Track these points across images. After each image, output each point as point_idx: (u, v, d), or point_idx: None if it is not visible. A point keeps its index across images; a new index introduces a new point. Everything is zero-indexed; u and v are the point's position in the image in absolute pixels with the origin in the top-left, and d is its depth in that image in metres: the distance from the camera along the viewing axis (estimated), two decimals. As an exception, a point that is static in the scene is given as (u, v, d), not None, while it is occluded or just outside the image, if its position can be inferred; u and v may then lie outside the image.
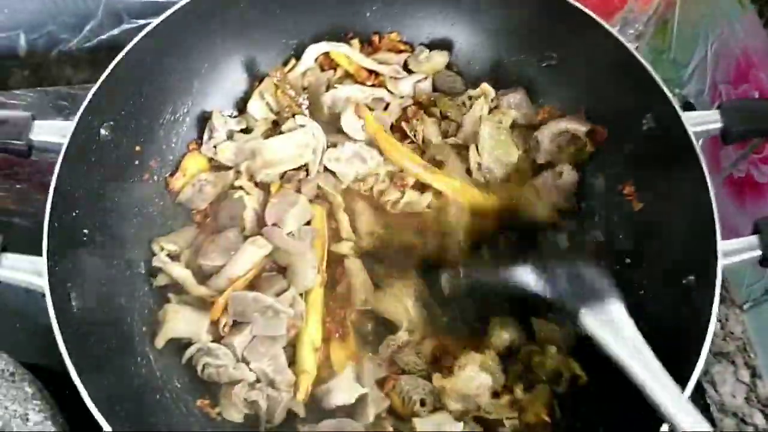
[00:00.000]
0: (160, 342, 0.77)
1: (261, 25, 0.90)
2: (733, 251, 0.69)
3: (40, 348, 0.73)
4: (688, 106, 1.05)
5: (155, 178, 0.86)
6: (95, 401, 0.63)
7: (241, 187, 0.86)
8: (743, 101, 0.88)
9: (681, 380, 0.64)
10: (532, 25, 0.88)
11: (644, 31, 1.14)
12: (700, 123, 0.74)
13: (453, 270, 0.82)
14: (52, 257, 0.68)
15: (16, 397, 0.72)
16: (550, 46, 0.89)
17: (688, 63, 1.05)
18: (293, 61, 0.93)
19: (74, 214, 0.73)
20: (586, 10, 0.82)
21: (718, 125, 0.74)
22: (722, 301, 0.97)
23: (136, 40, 0.78)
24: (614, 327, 0.66)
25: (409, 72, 0.95)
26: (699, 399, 0.90)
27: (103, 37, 1.07)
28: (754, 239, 0.69)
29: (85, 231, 0.75)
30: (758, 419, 0.90)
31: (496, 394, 0.77)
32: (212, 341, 0.78)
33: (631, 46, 0.79)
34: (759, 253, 0.68)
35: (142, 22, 1.05)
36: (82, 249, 0.74)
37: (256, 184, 0.87)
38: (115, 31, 1.06)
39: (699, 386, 0.91)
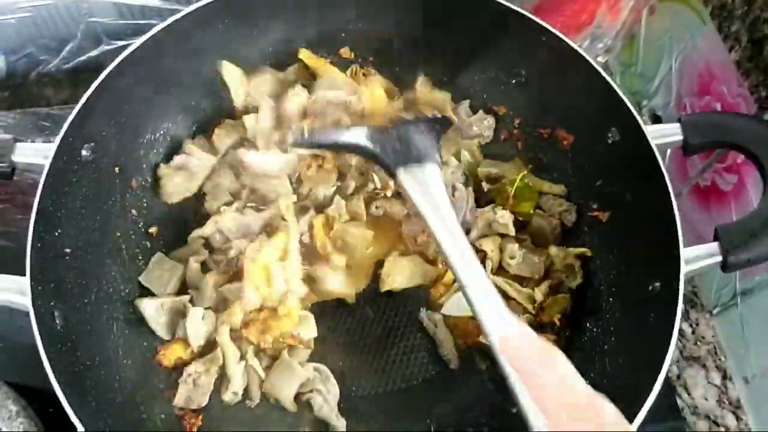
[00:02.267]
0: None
1: (241, 44, 0.92)
2: (695, 258, 0.71)
3: (24, 366, 0.74)
4: (655, 118, 1.09)
5: (136, 196, 0.87)
6: (80, 419, 0.64)
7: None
8: (703, 114, 0.91)
9: (649, 385, 0.66)
10: (501, 44, 0.91)
11: (613, 46, 1.17)
12: (662, 136, 0.77)
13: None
14: (35, 277, 0.68)
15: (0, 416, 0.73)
16: (518, 64, 0.92)
17: (654, 76, 1.08)
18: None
19: (56, 233, 0.74)
20: (551, 28, 0.85)
21: (679, 138, 0.77)
22: (693, 306, 1.00)
23: (115, 62, 0.79)
24: (425, 187, 0.73)
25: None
26: (672, 402, 0.92)
27: (82, 58, 1.08)
28: (714, 245, 0.71)
29: (68, 250, 0.75)
30: (730, 421, 0.93)
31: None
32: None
33: (593, 62, 0.82)
34: (720, 258, 0.71)
35: (121, 43, 1.06)
36: (65, 268, 0.75)
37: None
38: (95, 53, 1.07)
39: (672, 390, 0.94)
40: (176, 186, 0.88)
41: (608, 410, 0.52)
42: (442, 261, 0.87)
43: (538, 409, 0.53)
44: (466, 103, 0.96)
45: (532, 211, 0.90)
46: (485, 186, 0.93)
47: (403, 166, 0.76)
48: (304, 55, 0.95)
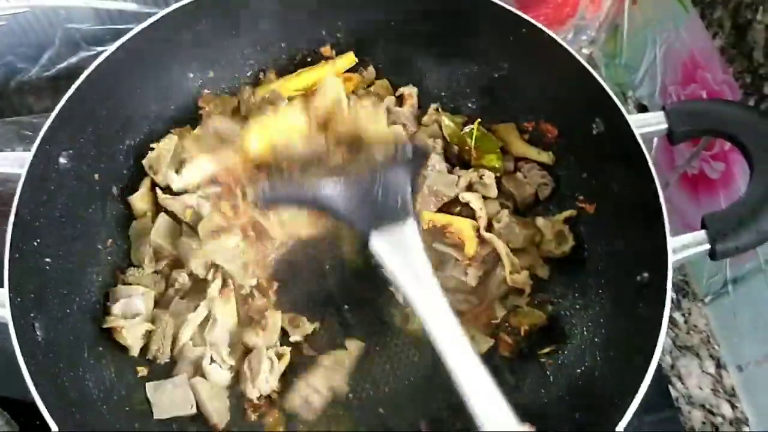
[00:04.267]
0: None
1: (217, 47, 0.91)
2: (682, 247, 0.70)
3: (6, 379, 0.73)
4: (641, 108, 1.08)
5: (117, 204, 0.86)
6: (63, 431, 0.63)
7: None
8: (687, 103, 0.91)
9: (640, 374, 0.65)
10: (481, 37, 0.90)
11: (597, 37, 1.17)
12: (647, 125, 0.76)
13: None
14: (14, 288, 0.67)
15: (-17, 431, 0.72)
16: (500, 57, 0.91)
17: (639, 66, 1.08)
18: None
19: (35, 243, 0.73)
20: (533, 21, 0.84)
21: (664, 126, 0.76)
22: (684, 295, 0.99)
23: (91, 68, 0.78)
24: (403, 252, 0.64)
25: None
26: (666, 392, 0.92)
27: (62, 65, 1.07)
28: (702, 234, 0.70)
29: (48, 260, 0.74)
30: (725, 409, 0.92)
31: None
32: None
33: (576, 54, 0.81)
34: (708, 247, 0.70)
35: (100, 49, 1.05)
36: (46, 278, 0.74)
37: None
38: (74, 59, 1.06)
39: (666, 380, 0.93)
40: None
41: None
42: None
43: None
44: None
45: (498, 164, 0.90)
46: (455, 148, 0.92)
47: (376, 228, 0.66)
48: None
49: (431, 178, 0.88)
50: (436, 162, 0.90)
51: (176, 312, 0.81)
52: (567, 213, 0.87)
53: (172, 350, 0.81)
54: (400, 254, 0.64)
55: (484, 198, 0.89)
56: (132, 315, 0.79)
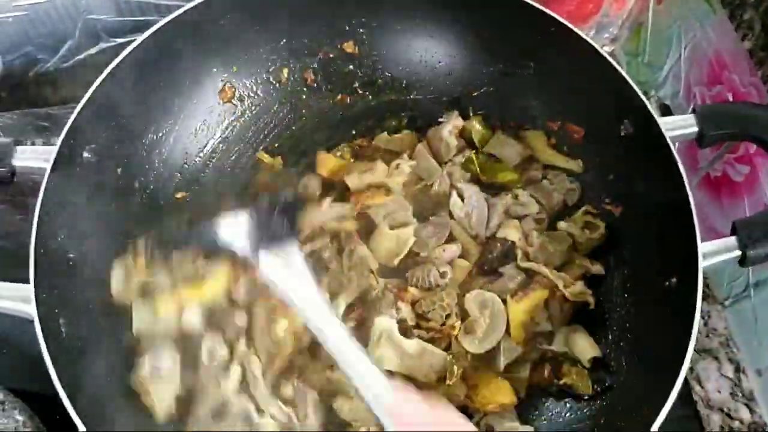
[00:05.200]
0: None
1: (241, 42, 0.91)
2: (712, 252, 0.70)
3: (29, 374, 0.73)
4: (664, 108, 1.07)
5: (140, 198, 0.86)
6: (87, 426, 0.63)
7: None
8: (718, 105, 0.90)
9: (669, 381, 0.65)
10: (508, 35, 0.89)
11: (619, 35, 1.16)
12: (676, 128, 0.75)
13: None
14: (39, 284, 0.67)
15: (6, 426, 0.72)
16: (527, 56, 0.90)
17: (662, 66, 1.07)
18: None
19: (59, 239, 0.73)
20: (561, 19, 0.83)
21: (694, 129, 0.75)
22: (704, 298, 0.97)
23: (116, 62, 0.78)
24: (289, 267, 0.72)
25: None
26: (685, 395, 0.92)
27: (81, 56, 1.06)
28: (732, 240, 0.70)
29: (71, 255, 0.74)
30: (744, 413, 0.92)
31: None
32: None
33: (606, 53, 0.80)
34: (738, 253, 0.69)
35: (120, 40, 1.04)
36: (69, 273, 0.73)
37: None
38: (93, 50, 1.06)
39: (685, 383, 0.93)
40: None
41: None
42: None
43: None
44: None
45: (514, 177, 0.90)
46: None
47: (264, 248, 0.73)
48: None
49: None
50: (473, 193, 0.88)
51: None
52: (584, 209, 0.87)
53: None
54: (286, 269, 0.72)
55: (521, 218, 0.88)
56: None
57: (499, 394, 0.78)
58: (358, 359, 0.67)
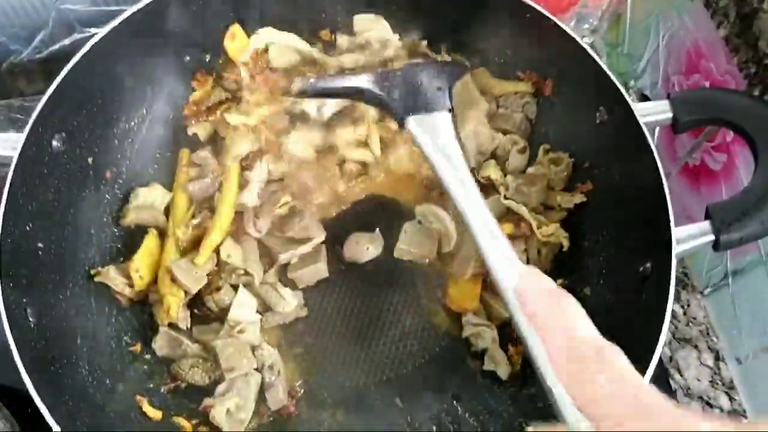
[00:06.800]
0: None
1: (213, 30, 0.89)
2: (686, 237, 0.70)
3: (1, 367, 0.72)
4: (644, 99, 1.07)
5: (111, 188, 0.85)
6: (56, 419, 0.62)
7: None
8: (692, 91, 0.90)
9: (642, 367, 0.65)
10: (484, 24, 0.89)
11: (599, 26, 1.16)
12: (651, 113, 0.75)
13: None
14: (6, 273, 0.66)
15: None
16: (505, 43, 0.90)
17: (641, 56, 1.07)
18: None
19: (27, 228, 0.71)
20: (537, 6, 0.83)
21: (669, 115, 0.75)
22: (683, 287, 0.99)
23: (85, 48, 0.76)
24: (435, 136, 0.70)
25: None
26: (664, 384, 0.92)
27: (55, 47, 1.05)
28: (706, 224, 0.70)
29: (40, 245, 0.73)
30: (723, 402, 0.92)
31: None
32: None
33: (581, 40, 0.80)
34: (712, 237, 0.69)
35: (94, 30, 1.03)
36: (38, 264, 0.72)
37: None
38: (67, 41, 1.04)
39: (664, 371, 0.93)
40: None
41: (620, 361, 0.48)
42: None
43: (548, 359, 0.50)
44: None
45: None
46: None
47: (412, 114, 0.72)
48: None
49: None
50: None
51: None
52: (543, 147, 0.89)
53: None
54: (434, 137, 0.70)
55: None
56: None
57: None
58: (493, 233, 0.61)
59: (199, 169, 0.87)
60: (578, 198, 0.85)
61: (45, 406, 0.62)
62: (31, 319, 0.68)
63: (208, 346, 0.80)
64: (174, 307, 0.78)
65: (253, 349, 0.80)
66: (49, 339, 0.69)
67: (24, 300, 0.68)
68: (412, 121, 0.72)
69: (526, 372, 0.81)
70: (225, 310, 0.81)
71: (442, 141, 0.69)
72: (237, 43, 0.91)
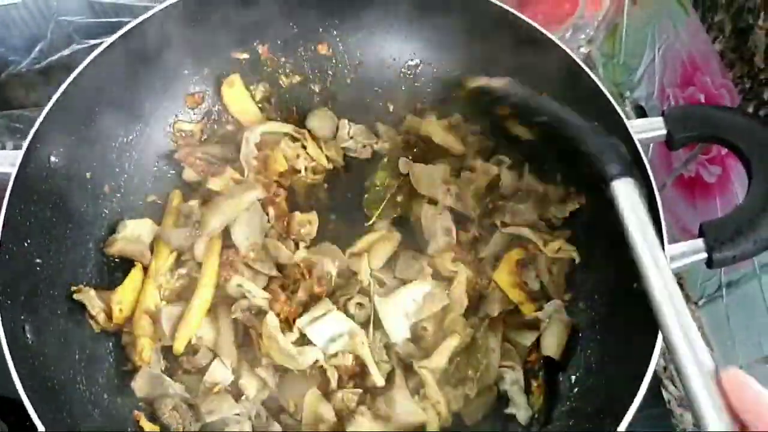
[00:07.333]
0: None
1: (213, 44, 0.90)
2: (680, 255, 0.70)
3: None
4: (639, 110, 1.08)
5: (110, 202, 0.85)
6: (52, 434, 0.62)
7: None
8: (686, 108, 0.90)
9: (637, 377, 0.65)
10: (479, 40, 0.89)
11: (595, 36, 1.16)
12: (646, 130, 0.76)
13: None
14: (4, 290, 0.66)
15: (-27, 434, 0.71)
16: (498, 60, 0.89)
17: (637, 67, 1.07)
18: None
19: (26, 244, 0.72)
20: (529, 20, 0.83)
21: (663, 132, 0.75)
22: (678, 298, 0.99)
23: (84, 64, 0.77)
24: (633, 203, 0.67)
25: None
26: (658, 394, 0.92)
27: (53, 58, 1.05)
28: (699, 242, 0.70)
29: (38, 260, 0.73)
30: (717, 412, 0.92)
31: None
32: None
33: (576, 57, 0.81)
34: (705, 255, 0.70)
35: (92, 42, 1.03)
36: (36, 279, 0.73)
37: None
38: (66, 52, 1.04)
39: (658, 382, 0.94)
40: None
41: None
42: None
43: None
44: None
45: None
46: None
47: (618, 178, 0.69)
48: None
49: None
50: None
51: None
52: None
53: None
54: (632, 205, 0.67)
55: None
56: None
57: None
58: (684, 321, 0.58)
59: (184, 218, 0.85)
60: (571, 206, 0.86)
61: (42, 423, 0.62)
62: (29, 336, 0.68)
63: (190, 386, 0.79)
64: (147, 350, 0.77)
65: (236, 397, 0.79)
66: (47, 356, 0.69)
67: (22, 317, 0.68)
68: (618, 185, 0.68)
69: (550, 413, 0.80)
70: (202, 370, 0.79)
71: (637, 209, 0.66)
72: (234, 91, 0.92)
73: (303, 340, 0.79)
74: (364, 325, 0.81)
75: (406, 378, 0.80)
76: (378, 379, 0.78)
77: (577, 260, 0.85)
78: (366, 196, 0.93)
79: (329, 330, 0.78)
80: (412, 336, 0.82)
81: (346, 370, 0.79)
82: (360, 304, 0.82)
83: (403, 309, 0.82)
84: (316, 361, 0.78)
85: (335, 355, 0.78)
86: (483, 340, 0.82)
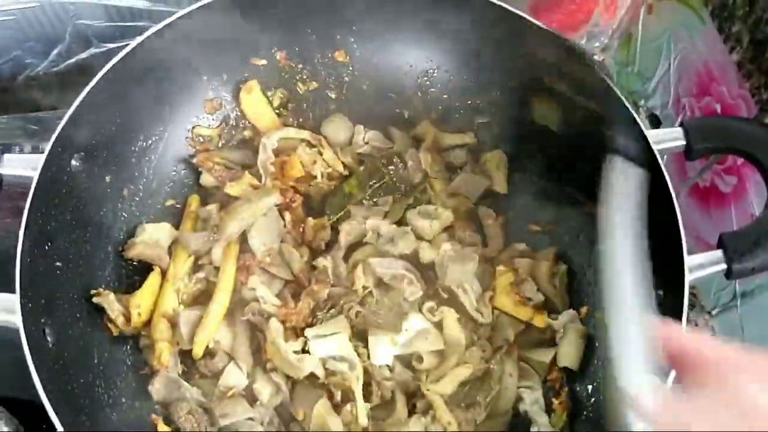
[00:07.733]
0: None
1: (233, 49, 0.90)
2: (699, 266, 0.70)
3: (17, 381, 0.72)
4: (653, 119, 1.08)
5: (128, 206, 0.86)
6: (72, 437, 0.63)
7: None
8: (705, 119, 0.90)
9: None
10: (494, 44, 0.89)
11: (609, 44, 1.16)
12: (664, 141, 0.76)
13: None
14: (25, 293, 0.66)
15: (-9, 436, 0.72)
16: (517, 68, 0.90)
17: (652, 76, 1.07)
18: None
19: (47, 247, 0.72)
20: (555, 31, 0.83)
21: (682, 143, 0.75)
22: (692, 307, 0.99)
23: (105, 69, 0.77)
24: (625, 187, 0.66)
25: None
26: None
27: (71, 61, 1.05)
28: (718, 253, 0.70)
29: (59, 264, 0.74)
30: (730, 422, 0.92)
31: None
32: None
33: (597, 68, 0.81)
34: (724, 266, 0.70)
35: (110, 45, 1.03)
36: (56, 283, 0.73)
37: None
38: (84, 55, 1.05)
39: (672, 392, 0.93)
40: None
41: None
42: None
43: None
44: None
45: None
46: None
47: (620, 155, 0.67)
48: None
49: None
50: None
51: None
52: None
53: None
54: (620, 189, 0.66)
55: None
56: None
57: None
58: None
59: (202, 223, 0.86)
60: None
61: (62, 425, 0.62)
62: (49, 338, 0.69)
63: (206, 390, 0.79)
64: (165, 354, 0.78)
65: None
66: (66, 359, 0.70)
67: (42, 320, 0.69)
68: (619, 163, 0.67)
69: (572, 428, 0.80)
70: (218, 374, 0.80)
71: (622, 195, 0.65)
72: (252, 97, 0.92)
73: (305, 350, 0.79)
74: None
75: (416, 399, 0.80)
76: (362, 419, 0.77)
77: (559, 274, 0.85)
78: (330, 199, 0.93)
79: (332, 349, 0.78)
80: (404, 363, 0.81)
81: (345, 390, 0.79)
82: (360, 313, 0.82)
83: (391, 334, 0.80)
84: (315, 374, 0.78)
85: (334, 374, 0.78)
86: (498, 366, 0.81)
